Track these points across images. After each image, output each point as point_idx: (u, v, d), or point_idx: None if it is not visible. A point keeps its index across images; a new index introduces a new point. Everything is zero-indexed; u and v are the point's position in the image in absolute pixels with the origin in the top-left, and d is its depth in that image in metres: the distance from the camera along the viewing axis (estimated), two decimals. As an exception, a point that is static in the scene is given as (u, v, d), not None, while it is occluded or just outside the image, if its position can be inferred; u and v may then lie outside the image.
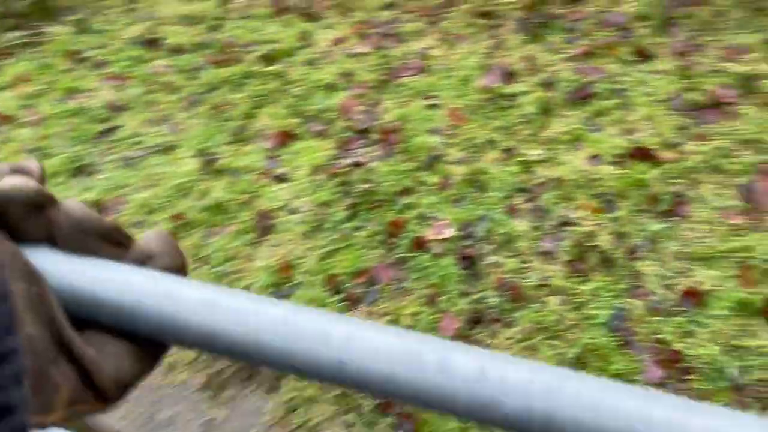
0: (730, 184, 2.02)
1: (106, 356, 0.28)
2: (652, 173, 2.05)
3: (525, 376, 0.26)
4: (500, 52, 2.65)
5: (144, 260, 0.30)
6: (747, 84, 2.26)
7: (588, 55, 2.52)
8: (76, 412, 0.27)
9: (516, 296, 1.88)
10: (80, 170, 2.63)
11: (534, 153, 2.22)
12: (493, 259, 2.00)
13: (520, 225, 2.05)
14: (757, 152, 2.08)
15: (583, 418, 0.25)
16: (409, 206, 2.17)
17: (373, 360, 0.27)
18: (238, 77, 2.84)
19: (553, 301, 1.85)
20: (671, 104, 2.27)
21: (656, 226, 1.94)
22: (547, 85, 2.43)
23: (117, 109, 2.87)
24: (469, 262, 2.00)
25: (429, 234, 2.07)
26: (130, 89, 2.95)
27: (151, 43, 3.15)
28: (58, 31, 3.40)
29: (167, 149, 2.62)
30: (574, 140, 2.23)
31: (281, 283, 2.04)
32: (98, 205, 2.45)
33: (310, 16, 3.09)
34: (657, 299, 1.79)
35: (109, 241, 0.30)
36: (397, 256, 2.06)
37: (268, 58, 2.90)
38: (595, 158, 2.15)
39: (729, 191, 2.00)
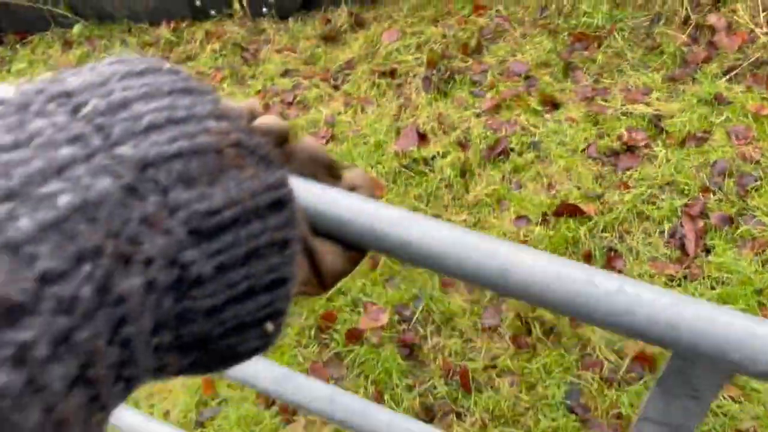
0: (657, 231, 1.98)
1: (327, 254, 0.35)
2: (581, 229, 1.99)
3: (653, 295, 0.31)
4: (410, 112, 2.55)
5: (352, 189, 0.38)
6: (654, 125, 2.26)
7: (497, 108, 2.46)
8: (303, 293, 0.35)
9: (465, 382, 1.75)
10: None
11: (460, 219, 2.12)
12: (435, 341, 1.86)
13: (458, 300, 1.92)
14: (675, 194, 2.06)
15: (699, 328, 0.30)
16: (338, 292, 2.00)
17: (531, 274, 0.32)
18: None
19: (505, 383, 1.73)
20: (587, 153, 2.23)
21: (595, 286, 1.87)
22: (462, 144, 2.35)
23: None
24: (410, 349, 1.85)
25: (363, 322, 1.91)
26: None
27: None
28: None
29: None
30: (498, 201, 2.15)
31: (205, 403, 1.80)
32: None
33: (206, 90, 2.90)
34: (609, 368, 1.71)
35: (329, 171, 0.38)
36: (332, 352, 1.88)
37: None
38: (522, 219, 2.07)
39: (658, 239, 1.96)
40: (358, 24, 3.01)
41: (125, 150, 0.22)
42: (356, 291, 1.99)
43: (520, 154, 2.28)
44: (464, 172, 2.26)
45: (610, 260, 1.93)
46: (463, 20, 2.86)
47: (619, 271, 1.90)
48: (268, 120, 0.35)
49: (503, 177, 2.22)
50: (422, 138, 2.42)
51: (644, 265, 1.90)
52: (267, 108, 2.72)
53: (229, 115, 0.26)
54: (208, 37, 3.15)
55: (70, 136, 0.22)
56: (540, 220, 2.05)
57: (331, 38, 3.00)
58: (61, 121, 0.23)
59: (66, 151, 0.21)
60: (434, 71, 2.67)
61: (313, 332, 1.93)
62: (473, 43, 2.75)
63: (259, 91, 2.82)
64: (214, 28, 3.20)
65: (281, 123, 0.35)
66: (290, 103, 2.72)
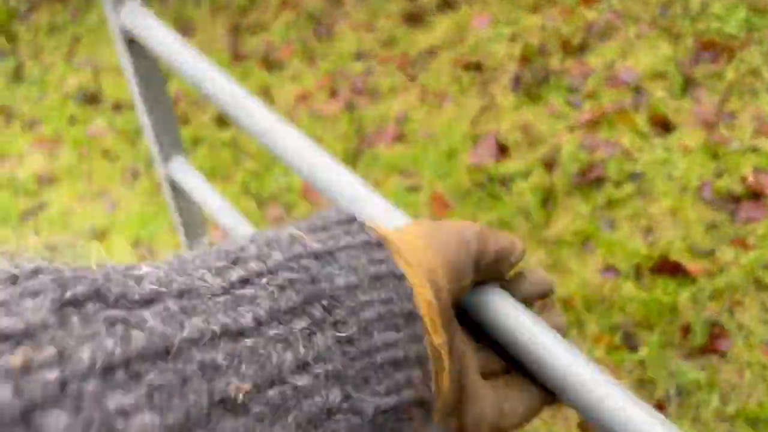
0: (779, 308, 1.59)
1: (486, 397, 0.34)
2: (681, 293, 1.62)
3: None
4: (491, 115, 2.20)
5: (556, 328, 0.37)
6: (790, 167, 1.83)
7: (596, 123, 2.08)
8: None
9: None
10: (-1, 260, 2.17)
11: (535, 258, 1.79)
12: None
13: (519, 360, 1.61)
14: (808, 261, 1.65)
15: None
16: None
17: None
18: (186, 143, 2.38)
19: (563, 478, 1.42)
20: (700, 194, 1.83)
21: (690, 371, 1.51)
22: (549, 163, 1.99)
23: (47, 181, 2.41)
24: (455, 412, 1.57)
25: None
26: (63, 156, 2.49)
27: (91, 98, 2.69)
28: (-13, 80, 2.92)
29: (101, 234, 2.17)
30: (584, 241, 1.80)
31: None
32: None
33: (271, 65, 2.64)
34: (697, 483, 1.37)
35: (542, 298, 0.39)
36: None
37: (221, 119, 2.44)
38: (610, 270, 1.71)
39: (778, 319, 1.57)
40: (447, 4, 2.65)
41: (362, 396, 0.24)
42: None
43: (617, 185, 1.90)
44: (547, 199, 1.92)
45: (713, 338, 1.56)
46: (568, 11, 2.44)
47: (723, 355, 1.53)
48: (518, 242, 0.39)
49: (593, 211, 1.86)
50: (502, 151, 2.08)
51: (756, 350, 1.53)
52: (331, 95, 2.43)
53: (428, 361, 0.28)
54: (283, 5, 2.87)
55: (320, 352, 0.24)
56: (632, 273, 1.69)
57: (414, 18, 2.65)
58: (316, 320, 0.25)
59: (318, 371, 0.23)
60: (527, 69, 2.30)
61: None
62: (577, 39, 2.35)
63: (326, 73, 2.53)
64: (291, -5, 2.92)
65: (523, 248, 0.39)
66: (360, 92, 2.42)
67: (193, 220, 0.99)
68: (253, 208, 2.11)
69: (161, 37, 0.71)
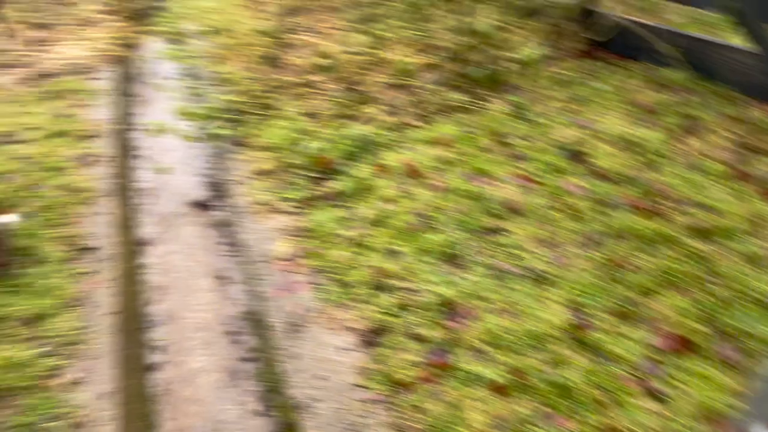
0: None
1: None
2: None
3: None
4: None
5: None
6: None
7: None
8: None
9: None
10: (451, 258, 2.41)
11: None
12: None
13: None
14: None
15: None
16: None
17: None
18: (654, 237, 2.28)
19: None
20: None
21: None
22: None
23: (512, 210, 2.58)
24: None
25: None
26: (534, 197, 2.63)
27: (576, 155, 2.78)
28: (495, 107, 3.27)
29: (541, 281, 2.23)
30: None
31: None
32: (449, 306, 2.19)
33: (775, 197, 2.34)
34: None
35: None
36: None
37: (700, 231, 2.26)
38: None
39: None
40: None
41: None
42: None
43: None
44: None
45: None
46: None
47: None
48: None
49: None
50: None
51: None
52: None
53: None
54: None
55: None
56: None
57: None
58: None
59: None
60: None
61: None
62: None
63: None
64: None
65: None
66: None
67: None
68: (704, 335, 1.90)
69: None
